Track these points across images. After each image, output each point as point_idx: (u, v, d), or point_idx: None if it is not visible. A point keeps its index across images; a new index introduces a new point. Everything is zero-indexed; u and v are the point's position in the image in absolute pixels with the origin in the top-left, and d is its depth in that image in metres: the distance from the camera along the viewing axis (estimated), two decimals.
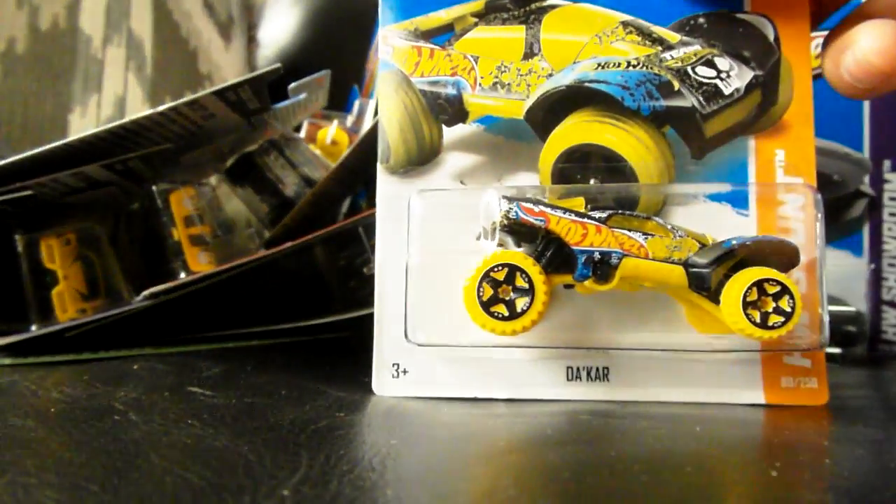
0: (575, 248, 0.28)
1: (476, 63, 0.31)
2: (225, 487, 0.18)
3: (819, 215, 0.29)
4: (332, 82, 0.56)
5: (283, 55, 0.91)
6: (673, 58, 0.30)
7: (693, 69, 0.30)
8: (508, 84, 0.31)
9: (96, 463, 0.20)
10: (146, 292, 0.37)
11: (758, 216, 0.30)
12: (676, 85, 0.30)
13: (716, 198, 0.30)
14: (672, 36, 0.31)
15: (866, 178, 0.48)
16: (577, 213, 0.28)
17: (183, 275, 0.42)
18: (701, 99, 0.30)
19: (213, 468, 0.19)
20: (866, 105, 0.48)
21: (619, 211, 0.29)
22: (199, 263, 0.43)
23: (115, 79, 0.73)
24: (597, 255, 0.28)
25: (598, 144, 0.30)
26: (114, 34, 0.74)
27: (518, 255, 0.28)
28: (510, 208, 0.28)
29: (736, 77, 0.30)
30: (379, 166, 0.31)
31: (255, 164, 0.51)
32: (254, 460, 0.20)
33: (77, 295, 0.41)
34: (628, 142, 0.30)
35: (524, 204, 0.28)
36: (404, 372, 0.30)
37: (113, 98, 0.73)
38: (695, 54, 0.31)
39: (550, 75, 0.31)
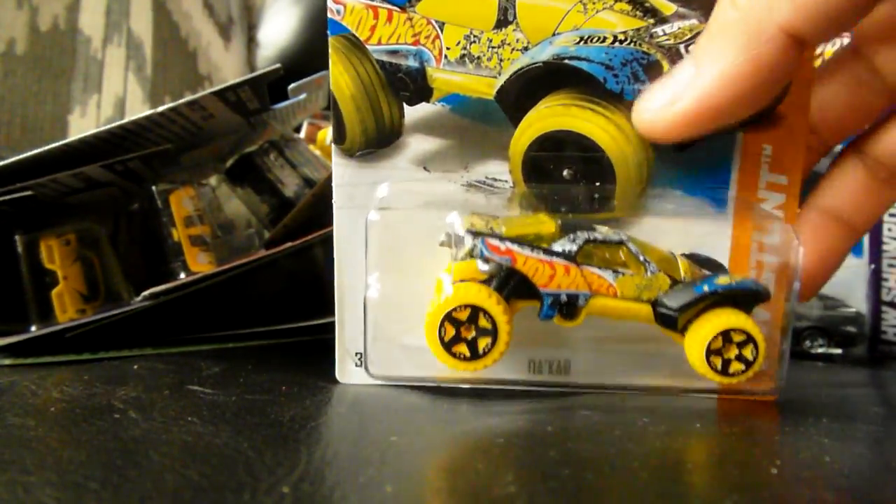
0: (542, 289, 0.27)
1: (441, 31, 0.28)
2: (225, 484, 0.18)
3: (798, 248, 0.27)
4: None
5: (283, 56, 0.91)
6: (665, 33, 0.27)
7: (686, 48, 0.27)
8: (478, 57, 0.27)
9: (96, 461, 0.20)
10: (146, 293, 0.37)
11: (734, 216, 0.28)
12: (666, 66, 0.27)
13: (694, 192, 0.28)
14: (667, 6, 0.27)
15: None
16: (546, 251, 0.27)
17: (183, 275, 0.42)
18: None
19: (213, 465, 0.19)
20: None
21: (591, 238, 0.27)
22: (199, 264, 0.43)
23: (115, 79, 0.73)
24: (564, 298, 0.27)
25: (574, 132, 0.28)
26: (114, 34, 0.74)
27: (481, 291, 0.26)
28: (475, 245, 0.27)
29: None
30: (333, 147, 0.28)
31: (254, 164, 0.51)
32: (254, 457, 0.20)
33: (77, 295, 0.41)
34: (608, 130, 0.27)
35: (490, 241, 0.26)
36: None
37: (113, 98, 0.73)
38: (690, 30, 0.27)
39: (526, 48, 0.27)
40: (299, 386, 0.30)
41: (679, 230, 0.29)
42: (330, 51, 0.28)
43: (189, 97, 0.40)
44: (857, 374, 0.43)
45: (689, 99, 0.24)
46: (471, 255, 0.27)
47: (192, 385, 0.29)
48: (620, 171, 0.28)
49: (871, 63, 0.28)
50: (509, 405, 0.28)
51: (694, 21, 0.27)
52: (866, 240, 0.51)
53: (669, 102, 0.25)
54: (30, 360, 0.34)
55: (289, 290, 0.48)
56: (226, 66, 0.86)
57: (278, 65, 0.44)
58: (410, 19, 0.28)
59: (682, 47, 0.27)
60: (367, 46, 0.28)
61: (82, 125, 0.71)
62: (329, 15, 0.28)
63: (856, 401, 0.35)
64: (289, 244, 0.41)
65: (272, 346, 0.40)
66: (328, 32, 0.28)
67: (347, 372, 0.30)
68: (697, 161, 0.28)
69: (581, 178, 0.28)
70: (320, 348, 0.34)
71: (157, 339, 0.39)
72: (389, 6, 0.28)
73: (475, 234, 0.27)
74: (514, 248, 0.26)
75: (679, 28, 0.27)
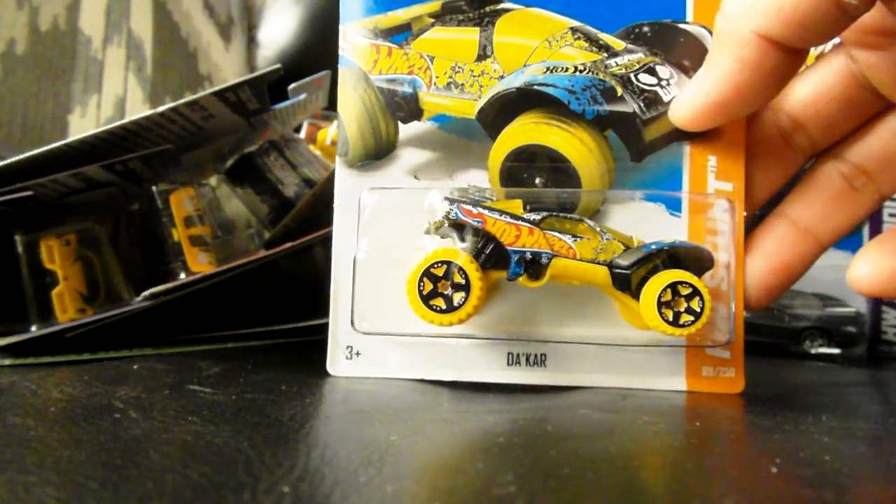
0: (509, 248, 0.30)
1: (432, 63, 0.33)
2: (225, 484, 0.18)
3: (739, 221, 0.31)
4: (332, 83, 0.56)
5: (283, 56, 0.91)
6: (617, 64, 0.32)
7: (636, 76, 0.32)
8: (462, 84, 0.32)
9: (96, 460, 0.20)
10: (146, 293, 0.37)
11: (689, 219, 0.31)
12: (619, 91, 0.32)
13: (652, 199, 0.32)
14: (617, 43, 0.32)
15: None
16: (513, 216, 0.30)
17: (183, 275, 0.42)
18: (642, 105, 0.32)
19: (213, 465, 0.19)
20: None
21: (553, 213, 0.30)
22: (199, 264, 0.43)
23: (115, 79, 0.73)
24: (528, 255, 0.30)
25: (543, 145, 0.32)
26: (114, 34, 0.74)
27: (457, 252, 0.30)
28: (451, 209, 0.30)
29: (675, 85, 0.32)
30: (337, 159, 0.33)
31: (255, 164, 0.51)
32: (253, 456, 0.20)
33: (77, 295, 0.41)
34: (572, 144, 0.32)
35: (464, 206, 0.30)
36: (357, 354, 0.32)
37: (113, 98, 0.73)
38: (638, 62, 0.32)
39: (502, 77, 0.32)
40: (299, 385, 0.30)
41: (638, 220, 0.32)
42: (339, 80, 0.33)
43: (189, 97, 0.40)
44: (857, 374, 0.43)
45: (699, 96, 0.28)
46: (447, 217, 0.30)
47: (192, 385, 0.29)
48: (585, 179, 0.32)
49: (861, 66, 0.28)
50: (509, 404, 0.28)
51: (640, 55, 0.32)
52: (866, 240, 0.51)
53: (688, 100, 0.29)
54: (30, 360, 0.34)
55: (288, 291, 0.48)
56: (226, 66, 0.86)
57: (278, 65, 0.44)
58: (406, 54, 0.33)
59: (631, 76, 0.32)
60: (370, 76, 0.33)
61: (82, 125, 0.71)
62: (340, 52, 0.33)
63: (856, 400, 0.35)
64: (288, 244, 0.41)
65: (272, 346, 0.40)
66: (338, 66, 0.33)
67: (338, 365, 0.32)
68: (653, 170, 0.32)
69: (550, 185, 0.32)
70: (320, 348, 0.34)
71: (157, 339, 0.39)
72: (389, 44, 0.33)
73: (451, 200, 0.31)
74: (485, 212, 0.30)
75: (628, 60, 0.32)
